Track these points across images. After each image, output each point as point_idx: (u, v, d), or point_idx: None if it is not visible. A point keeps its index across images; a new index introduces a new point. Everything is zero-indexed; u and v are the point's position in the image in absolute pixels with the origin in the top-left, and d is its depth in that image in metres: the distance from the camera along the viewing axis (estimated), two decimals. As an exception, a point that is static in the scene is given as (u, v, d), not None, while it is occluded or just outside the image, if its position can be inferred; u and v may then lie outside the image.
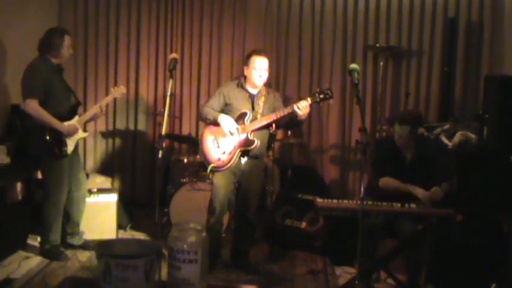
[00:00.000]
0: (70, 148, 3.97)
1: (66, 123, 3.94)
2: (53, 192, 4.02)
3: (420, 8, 5.25)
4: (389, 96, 5.36)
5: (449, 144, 4.24)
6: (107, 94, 5.63)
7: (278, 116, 3.72)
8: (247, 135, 3.77)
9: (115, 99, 5.03)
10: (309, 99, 3.68)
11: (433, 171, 3.66)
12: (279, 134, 5.24)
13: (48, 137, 3.85)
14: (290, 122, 3.85)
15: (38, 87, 3.82)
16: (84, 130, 4.23)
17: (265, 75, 3.82)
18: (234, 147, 3.78)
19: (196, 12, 5.58)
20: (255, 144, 3.75)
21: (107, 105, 4.28)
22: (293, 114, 3.68)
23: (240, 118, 3.81)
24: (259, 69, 3.78)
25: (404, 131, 3.64)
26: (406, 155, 3.74)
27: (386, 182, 3.68)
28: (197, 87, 5.67)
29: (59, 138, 3.90)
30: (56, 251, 4.07)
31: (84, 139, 5.39)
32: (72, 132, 3.96)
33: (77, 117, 4.05)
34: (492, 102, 3.80)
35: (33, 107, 3.78)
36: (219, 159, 3.81)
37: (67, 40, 3.97)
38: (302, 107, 3.62)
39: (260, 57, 3.80)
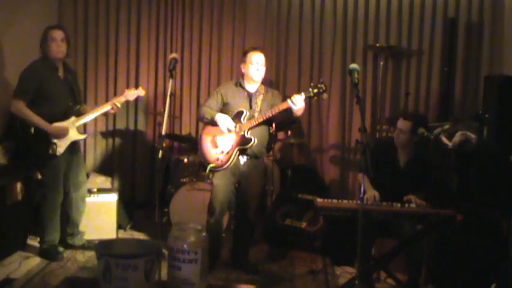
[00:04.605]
0: (60, 149, 3.94)
1: (56, 124, 3.92)
2: (47, 191, 4.04)
3: (420, 8, 5.25)
4: (389, 96, 5.36)
5: (449, 144, 4.24)
6: (106, 94, 5.67)
7: (274, 113, 3.70)
8: (244, 134, 3.77)
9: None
10: (302, 94, 3.67)
11: (424, 178, 3.67)
12: (280, 134, 5.24)
13: (33, 137, 3.86)
14: (286, 119, 3.84)
15: (24, 88, 3.87)
16: (82, 132, 4.17)
17: (262, 69, 3.83)
18: (232, 146, 3.78)
19: (196, 12, 5.58)
20: (252, 142, 3.75)
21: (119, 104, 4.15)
22: (288, 109, 3.66)
23: (236, 117, 3.81)
24: (256, 63, 3.79)
25: (406, 127, 3.65)
26: (400, 159, 3.74)
27: (358, 178, 3.75)
28: (197, 87, 5.67)
29: (46, 138, 3.89)
30: (53, 251, 4.07)
31: (84, 140, 5.35)
32: (61, 133, 3.93)
33: (72, 119, 4.01)
34: (492, 102, 3.80)
35: (16, 107, 3.85)
36: (217, 159, 3.81)
37: (50, 33, 3.91)
38: (296, 101, 3.60)
39: (257, 53, 3.83)
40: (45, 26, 4.09)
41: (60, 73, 4.02)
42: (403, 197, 3.55)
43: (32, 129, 3.86)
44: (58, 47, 3.92)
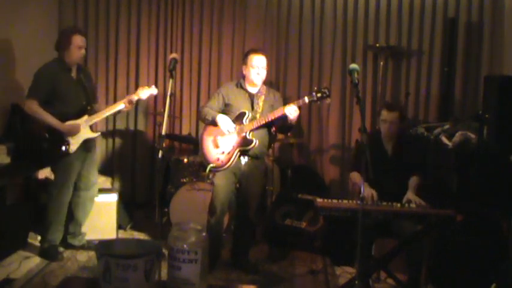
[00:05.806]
0: (73, 147, 3.96)
1: (69, 123, 3.94)
2: (55, 189, 4.05)
3: (420, 8, 5.25)
4: (389, 96, 5.36)
5: (449, 144, 4.24)
6: (107, 94, 5.67)
7: (273, 117, 3.72)
8: (245, 135, 3.77)
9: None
10: (306, 98, 3.69)
11: (412, 163, 3.70)
12: (279, 134, 5.24)
13: (47, 135, 3.89)
14: (283, 125, 3.85)
15: (38, 88, 3.89)
16: (95, 131, 4.18)
17: (263, 73, 3.82)
18: (233, 147, 3.78)
19: (196, 12, 5.58)
20: (254, 143, 3.75)
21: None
22: (283, 117, 3.69)
23: (238, 118, 3.82)
24: (256, 67, 3.79)
25: (395, 117, 3.67)
26: (387, 148, 3.75)
27: (353, 177, 3.80)
28: (197, 87, 5.67)
29: (60, 137, 3.91)
30: (53, 251, 4.07)
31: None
32: (74, 131, 3.95)
33: (85, 117, 4.03)
34: (492, 102, 3.80)
35: (29, 107, 3.87)
36: (218, 159, 3.81)
37: (75, 40, 3.93)
38: (290, 111, 3.63)
39: (258, 56, 3.81)
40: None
41: (73, 73, 4.05)
42: (399, 187, 3.57)
43: (47, 134, 3.89)
44: (82, 54, 3.99)
